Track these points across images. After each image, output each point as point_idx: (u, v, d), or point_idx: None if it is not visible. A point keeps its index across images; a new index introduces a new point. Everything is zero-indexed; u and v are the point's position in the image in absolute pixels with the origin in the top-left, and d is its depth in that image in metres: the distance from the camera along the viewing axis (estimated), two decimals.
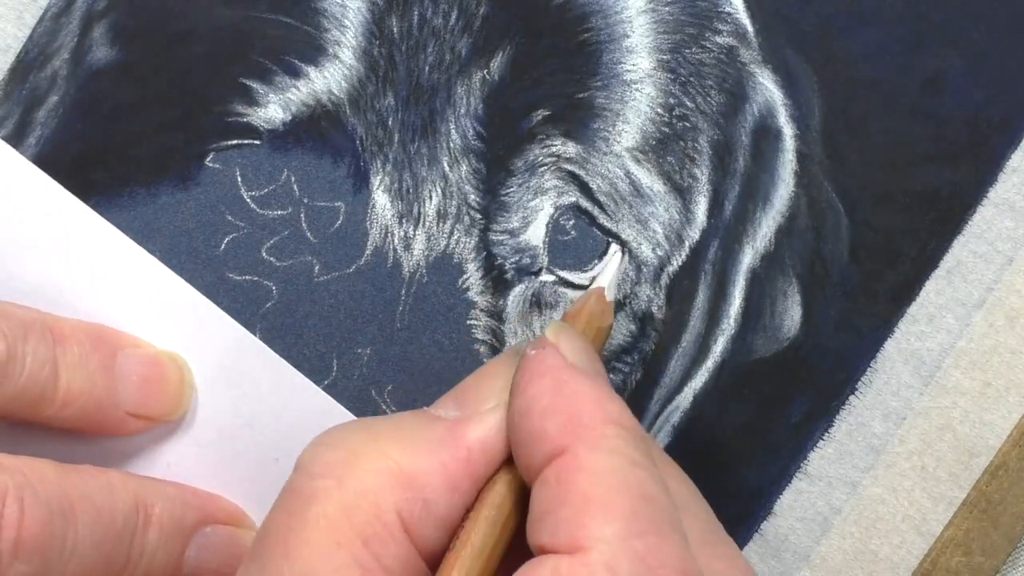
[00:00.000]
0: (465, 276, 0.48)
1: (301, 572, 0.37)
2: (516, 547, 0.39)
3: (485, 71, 0.47)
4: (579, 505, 0.36)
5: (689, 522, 0.38)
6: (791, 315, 0.48)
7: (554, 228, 0.48)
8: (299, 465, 0.39)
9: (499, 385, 0.40)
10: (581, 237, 0.48)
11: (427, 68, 0.47)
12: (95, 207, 0.47)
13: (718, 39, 0.47)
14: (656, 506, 0.36)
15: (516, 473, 0.39)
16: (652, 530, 0.36)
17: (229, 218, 0.48)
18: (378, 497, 0.38)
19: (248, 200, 0.48)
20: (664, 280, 0.48)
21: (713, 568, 0.38)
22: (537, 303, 0.48)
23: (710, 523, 0.41)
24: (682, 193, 0.47)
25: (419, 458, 0.38)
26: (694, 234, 0.48)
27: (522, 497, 0.39)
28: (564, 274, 0.48)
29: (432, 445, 0.39)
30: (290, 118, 0.47)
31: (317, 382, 0.47)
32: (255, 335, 0.47)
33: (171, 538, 0.44)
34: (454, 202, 0.48)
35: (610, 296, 0.45)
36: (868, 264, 0.47)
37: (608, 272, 0.46)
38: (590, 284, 0.48)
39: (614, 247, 0.47)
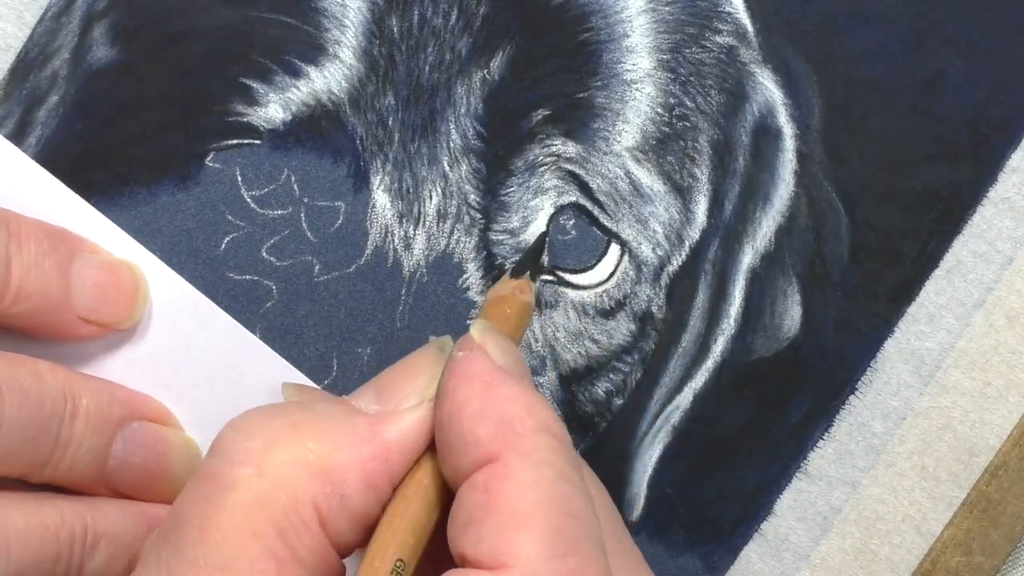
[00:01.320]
0: (465, 276, 0.48)
1: (216, 560, 0.37)
2: (434, 541, 0.39)
3: (485, 71, 0.47)
4: (505, 518, 0.36)
5: (608, 537, 0.38)
6: (791, 315, 0.48)
7: (554, 228, 0.48)
8: (217, 449, 0.39)
9: (420, 382, 0.40)
10: (581, 237, 0.48)
11: (427, 68, 0.47)
12: (95, 206, 0.47)
13: (718, 39, 0.47)
14: (581, 523, 0.36)
15: (436, 469, 0.39)
16: (575, 551, 0.36)
17: (229, 218, 0.48)
18: (296, 489, 0.38)
19: (248, 200, 0.48)
20: (664, 280, 0.48)
21: None
22: (537, 303, 0.48)
23: (625, 538, 0.42)
24: (682, 193, 0.47)
25: (338, 452, 0.38)
26: (694, 234, 0.48)
27: (442, 493, 0.39)
28: (564, 274, 0.48)
29: (352, 440, 0.38)
30: (290, 118, 0.47)
31: (317, 382, 0.47)
32: (255, 335, 0.47)
33: (97, 430, 0.44)
34: (454, 202, 0.48)
35: (521, 274, 0.44)
36: (868, 264, 0.47)
37: (529, 251, 0.45)
38: (589, 285, 0.48)
39: (540, 234, 0.47)
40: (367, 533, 0.39)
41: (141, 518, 0.45)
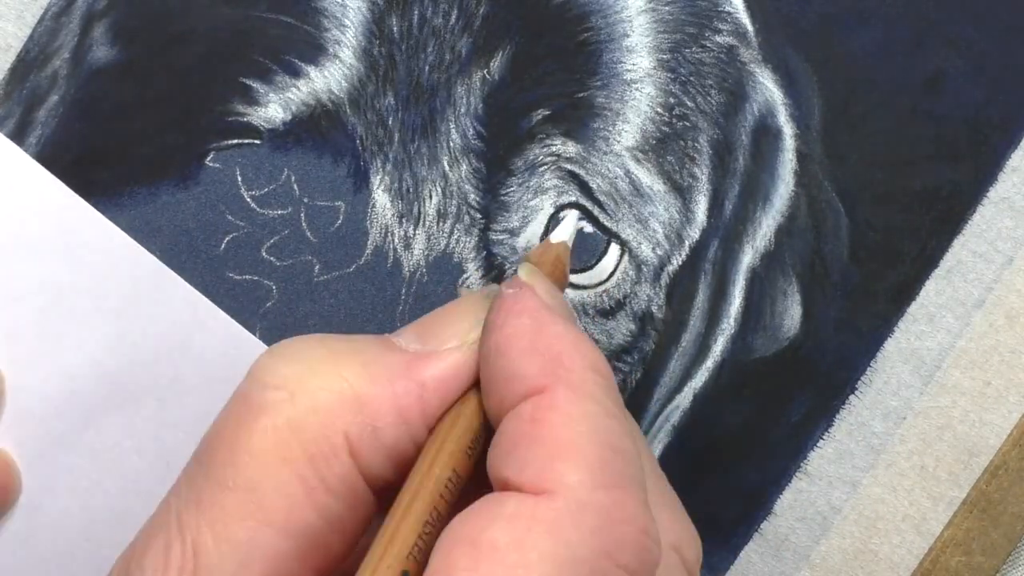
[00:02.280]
0: (465, 276, 0.48)
1: (244, 483, 0.37)
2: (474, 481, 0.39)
3: (485, 71, 0.47)
4: (551, 446, 0.35)
5: (648, 477, 0.38)
6: (791, 315, 0.48)
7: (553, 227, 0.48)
8: (253, 373, 0.39)
9: (464, 325, 0.39)
10: (581, 237, 0.48)
11: (427, 68, 0.47)
12: (95, 206, 0.47)
13: (718, 38, 0.47)
14: (625, 460, 0.36)
15: (477, 414, 0.39)
16: (618, 484, 0.35)
17: (229, 217, 0.48)
18: (328, 417, 0.37)
19: (248, 200, 0.48)
20: (664, 280, 0.48)
21: (661, 519, 0.38)
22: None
23: (661, 479, 0.41)
24: (682, 192, 0.47)
25: (374, 385, 0.38)
26: (694, 233, 0.48)
27: (480, 433, 0.39)
28: None
29: (388, 374, 0.38)
30: (290, 117, 0.47)
31: None
32: (255, 335, 0.47)
33: None
34: (454, 201, 0.48)
35: (568, 244, 0.44)
36: (868, 264, 0.47)
37: (566, 226, 0.45)
38: (589, 284, 0.48)
39: (572, 212, 0.47)
40: (398, 468, 0.38)
41: None
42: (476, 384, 0.39)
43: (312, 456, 0.37)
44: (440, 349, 0.39)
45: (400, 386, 0.38)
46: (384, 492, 0.39)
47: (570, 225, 0.44)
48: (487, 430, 0.38)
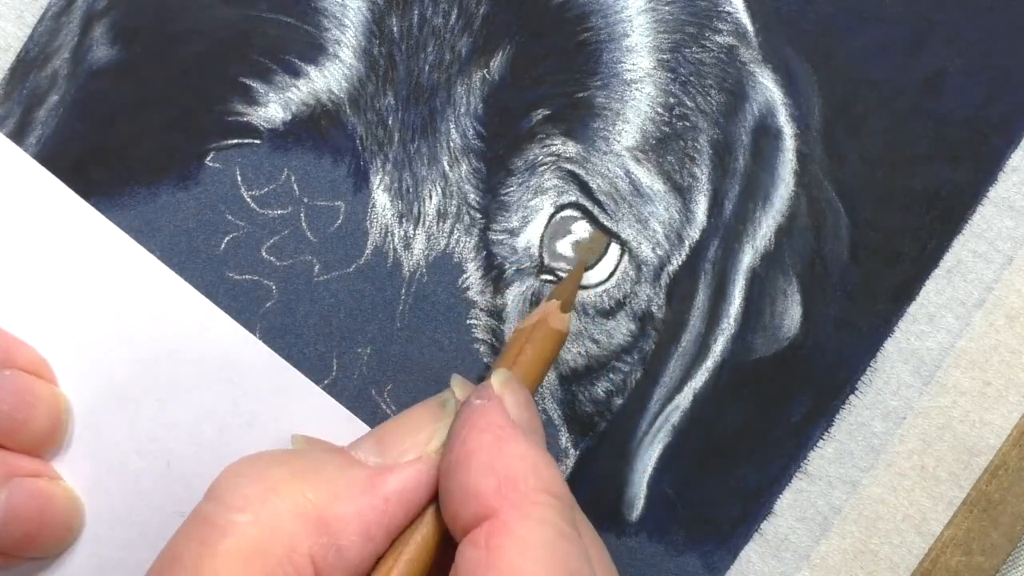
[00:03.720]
0: (465, 275, 0.48)
1: None
2: None
3: (485, 70, 0.47)
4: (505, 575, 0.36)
5: None
6: (791, 315, 0.48)
7: (554, 227, 0.48)
8: (215, 494, 0.39)
9: (422, 436, 0.40)
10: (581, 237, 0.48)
11: (427, 67, 0.47)
12: (95, 206, 0.47)
13: (718, 38, 0.47)
14: None
15: (434, 523, 0.39)
16: None
17: (229, 217, 0.48)
18: (293, 538, 0.38)
19: (248, 199, 0.48)
20: (664, 279, 0.48)
21: None
22: (536, 302, 0.48)
23: None
24: (682, 192, 0.47)
25: (337, 503, 0.38)
26: (694, 233, 0.48)
27: (439, 547, 0.39)
28: (564, 274, 0.48)
29: (351, 491, 0.39)
30: (290, 117, 0.47)
31: (317, 382, 0.47)
32: (255, 335, 0.47)
33: None
34: (454, 201, 0.48)
35: (566, 309, 0.45)
36: (868, 264, 0.47)
37: (567, 283, 0.46)
38: (589, 285, 0.48)
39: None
40: None
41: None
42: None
43: None
44: (400, 461, 0.40)
45: (363, 502, 0.39)
46: None
47: (572, 279, 0.45)
48: (444, 547, 0.39)
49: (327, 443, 0.43)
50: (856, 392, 0.48)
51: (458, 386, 0.43)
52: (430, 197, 0.48)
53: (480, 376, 0.48)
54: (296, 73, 0.47)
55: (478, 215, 0.48)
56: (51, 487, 0.46)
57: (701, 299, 0.48)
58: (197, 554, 0.37)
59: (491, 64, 0.47)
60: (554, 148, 0.47)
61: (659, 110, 0.47)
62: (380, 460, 0.40)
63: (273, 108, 0.47)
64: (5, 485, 0.45)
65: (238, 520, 0.38)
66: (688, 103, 0.47)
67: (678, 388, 0.48)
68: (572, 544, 0.37)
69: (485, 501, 0.37)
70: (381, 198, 0.48)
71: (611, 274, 0.48)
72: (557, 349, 0.44)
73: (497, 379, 0.41)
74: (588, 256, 0.47)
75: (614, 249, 0.48)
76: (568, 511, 0.38)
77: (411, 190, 0.48)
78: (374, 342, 0.48)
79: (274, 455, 0.40)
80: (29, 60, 0.48)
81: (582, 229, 0.48)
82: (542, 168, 0.47)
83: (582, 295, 0.48)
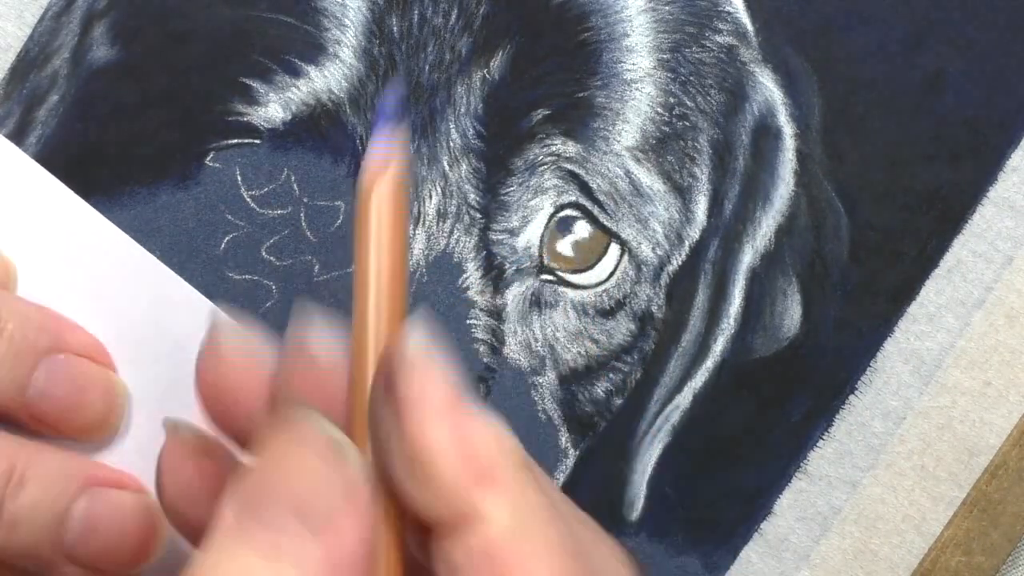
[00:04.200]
0: (465, 275, 0.48)
1: None
2: None
3: (485, 70, 0.47)
4: None
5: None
6: (791, 314, 0.48)
7: (554, 227, 0.48)
8: None
9: (304, 488, 0.33)
10: (581, 236, 0.48)
11: (427, 67, 0.47)
12: (95, 206, 0.47)
13: (718, 38, 0.47)
14: (583, 559, 0.35)
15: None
16: None
17: (229, 217, 0.48)
18: None
19: (248, 199, 0.48)
20: (664, 279, 0.48)
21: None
22: (537, 302, 0.48)
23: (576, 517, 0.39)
24: (682, 192, 0.47)
25: None
26: (694, 233, 0.48)
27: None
28: (563, 273, 0.48)
29: None
30: (290, 117, 0.47)
31: None
32: None
33: (20, 356, 0.43)
34: (454, 201, 0.48)
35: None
36: (868, 264, 0.47)
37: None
38: (589, 284, 0.48)
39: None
40: None
41: (76, 473, 0.44)
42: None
43: None
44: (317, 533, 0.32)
45: None
46: None
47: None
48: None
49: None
50: (856, 392, 0.48)
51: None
52: (430, 197, 0.48)
53: (479, 376, 0.48)
54: (296, 73, 0.47)
55: (478, 215, 0.48)
56: (92, 370, 0.45)
57: (701, 299, 0.48)
58: None
59: (491, 64, 0.47)
60: (554, 148, 0.47)
61: (659, 110, 0.47)
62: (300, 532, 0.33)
63: (273, 108, 0.47)
64: (50, 357, 0.44)
65: None
66: (688, 103, 0.47)
67: (678, 388, 0.48)
68: (557, 516, 0.33)
69: (458, 499, 0.32)
70: None
71: (611, 274, 0.48)
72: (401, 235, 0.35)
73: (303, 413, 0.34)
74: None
75: (614, 249, 0.48)
76: (537, 476, 0.34)
77: (411, 190, 0.48)
78: None
79: None
80: (29, 60, 0.48)
81: (582, 229, 0.48)
82: (542, 168, 0.47)
83: (582, 295, 0.48)
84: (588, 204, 0.47)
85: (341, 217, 0.48)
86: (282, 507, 0.32)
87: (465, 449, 0.32)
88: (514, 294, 0.48)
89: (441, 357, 0.33)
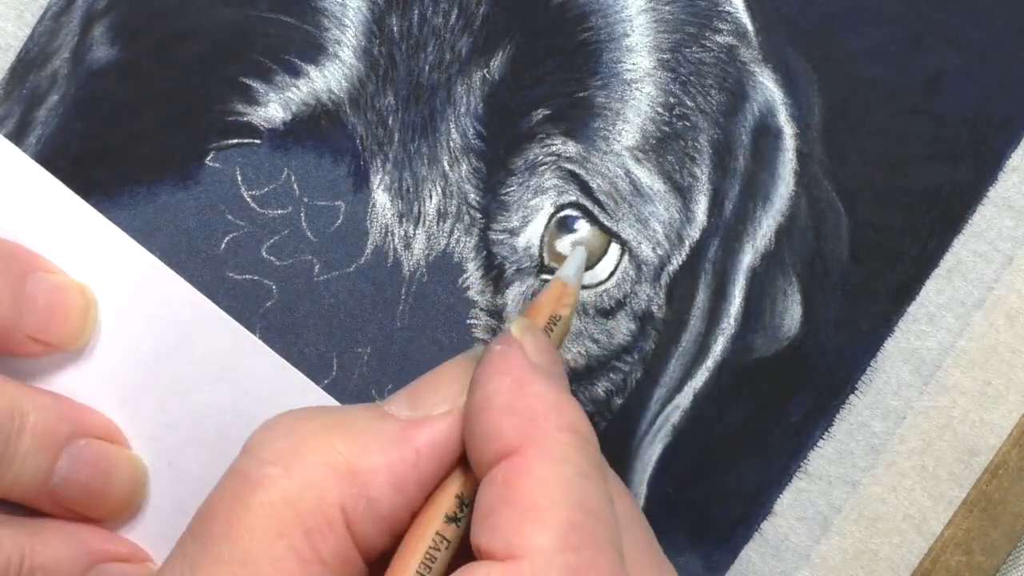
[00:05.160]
0: (465, 275, 0.48)
1: (241, 556, 0.37)
2: (466, 548, 0.39)
3: (485, 70, 0.47)
4: (520, 510, 0.36)
5: (629, 540, 0.38)
6: (791, 314, 0.48)
7: (554, 227, 0.48)
8: (248, 448, 0.39)
9: (455, 388, 0.40)
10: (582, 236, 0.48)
11: (427, 67, 0.47)
12: (95, 206, 0.47)
13: (718, 38, 0.47)
14: (597, 520, 0.36)
15: (468, 477, 0.39)
16: (588, 544, 0.35)
17: (229, 217, 0.48)
18: (323, 490, 0.38)
19: (248, 199, 0.48)
20: (664, 279, 0.48)
21: None
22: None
23: (650, 544, 0.41)
24: (682, 192, 0.47)
25: (367, 455, 0.38)
26: (694, 233, 0.48)
27: (472, 501, 0.39)
28: None
29: (382, 444, 0.39)
30: (290, 117, 0.47)
31: (317, 382, 0.47)
32: (255, 335, 0.47)
33: (43, 447, 0.44)
34: (454, 201, 0.48)
35: (573, 285, 0.44)
36: (868, 263, 0.47)
37: (570, 263, 0.45)
38: (589, 284, 0.48)
39: (579, 248, 0.47)
40: (394, 537, 0.39)
41: (83, 551, 0.45)
42: None
43: (308, 530, 0.37)
44: (431, 414, 0.39)
45: (394, 455, 0.38)
46: (379, 562, 0.39)
47: (576, 261, 0.44)
48: (474, 498, 0.39)
49: (362, 404, 0.42)
50: (856, 392, 0.48)
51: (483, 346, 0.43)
52: (430, 197, 0.48)
53: None
54: (296, 73, 0.47)
55: (478, 215, 0.48)
56: (114, 453, 0.46)
57: (701, 299, 0.48)
58: (230, 507, 0.38)
59: (491, 64, 0.47)
60: (554, 148, 0.47)
61: (659, 110, 0.47)
62: (412, 414, 0.40)
63: (273, 108, 0.47)
64: (72, 444, 0.45)
65: (269, 473, 0.38)
66: (688, 103, 0.47)
67: (678, 388, 0.48)
68: (592, 483, 0.37)
69: (506, 440, 0.37)
70: (381, 198, 0.48)
71: (611, 274, 0.48)
72: (569, 323, 0.44)
73: (517, 326, 0.40)
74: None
75: (614, 249, 0.48)
76: (592, 450, 0.38)
77: (411, 190, 0.48)
78: (374, 342, 0.48)
79: (306, 410, 0.40)
80: (29, 60, 0.48)
81: (582, 229, 0.48)
82: (542, 168, 0.47)
83: (582, 295, 0.48)
84: (588, 204, 0.47)
85: (341, 217, 0.48)
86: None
87: (521, 406, 0.37)
88: (514, 294, 0.48)
89: (539, 344, 0.40)
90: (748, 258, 0.48)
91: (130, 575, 0.46)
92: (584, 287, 0.48)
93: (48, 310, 0.45)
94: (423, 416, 0.39)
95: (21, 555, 0.44)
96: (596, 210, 0.47)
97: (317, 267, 0.48)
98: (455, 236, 0.48)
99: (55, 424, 0.45)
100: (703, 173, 0.47)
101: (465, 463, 0.39)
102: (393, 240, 0.48)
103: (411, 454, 0.39)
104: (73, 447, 0.45)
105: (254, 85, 0.47)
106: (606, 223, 0.47)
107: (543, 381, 0.38)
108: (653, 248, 0.48)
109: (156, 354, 0.47)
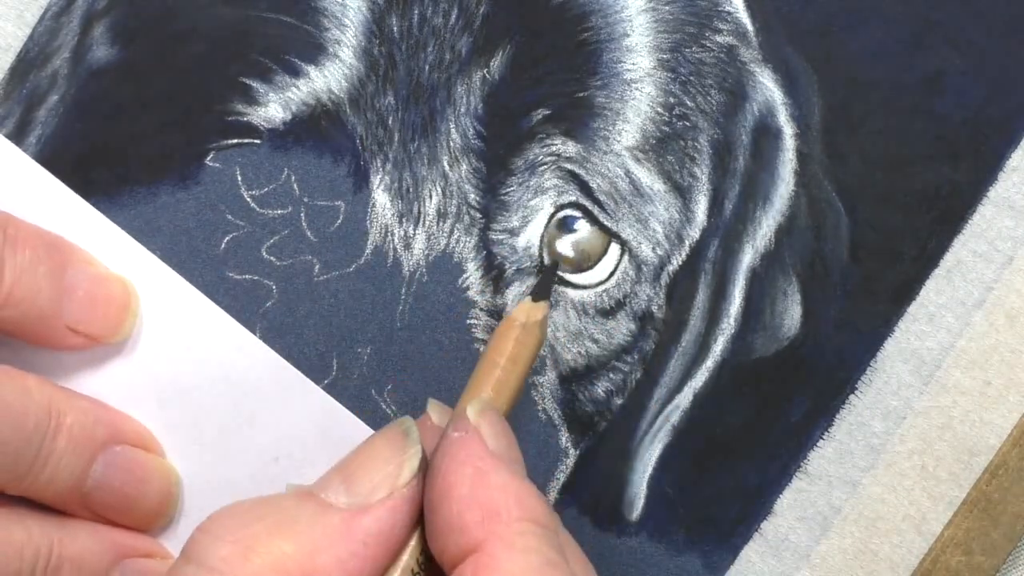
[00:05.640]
0: (465, 275, 0.48)
1: None
2: None
3: (485, 70, 0.47)
4: None
5: None
6: (791, 314, 0.48)
7: (554, 227, 0.48)
8: (192, 554, 0.38)
9: (390, 469, 0.40)
10: (582, 236, 0.48)
11: (427, 67, 0.47)
12: (95, 206, 0.47)
13: (718, 38, 0.47)
14: None
15: (419, 552, 0.39)
16: None
17: (229, 217, 0.48)
18: None
19: (248, 199, 0.48)
20: (664, 279, 0.48)
21: None
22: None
23: None
24: (682, 192, 0.47)
25: (317, 555, 0.38)
26: (694, 233, 0.48)
27: (426, 568, 0.39)
28: (564, 273, 0.48)
29: (329, 539, 0.38)
30: (290, 117, 0.47)
31: (317, 382, 0.47)
32: (255, 334, 0.47)
33: (79, 449, 0.44)
34: (454, 201, 0.48)
35: (539, 313, 0.44)
36: (868, 263, 0.47)
37: (539, 285, 0.45)
38: (589, 284, 0.48)
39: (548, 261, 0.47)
40: None
41: (110, 546, 0.45)
42: (418, 521, 0.40)
43: None
44: (372, 500, 0.39)
45: (342, 550, 0.38)
46: None
47: (545, 281, 0.45)
48: (430, 566, 0.39)
49: (297, 488, 0.42)
50: (856, 392, 0.48)
51: (435, 411, 0.43)
52: (430, 197, 0.48)
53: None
54: (296, 73, 0.47)
55: (478, 215, 0.48)
56: (150, 461, 0.46)
57: (701, 299, 0.48)
58: None
59: (491, 64, 0.47)
60: (554, 148, 0.47)
61: (659, 110, 0.47)
62: (350, 500, 0.39)
63: (273, 108, 0.47)
64: (107, 449, 0.45)
65: None
66: (688, 103, 0.47)
67: (678, 388, 0.48)
68: (559, 570, 0.37)
69: (470, 534, 0.37)
70: (381, 198, 0.48)
71: (611, 274, 0.48)
72: (534, 353, 0.43)
73: (473, 409, 0.40)
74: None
75: (614, 249, 0.48)
76: (554, 537, 0.38)
77: (411, 190, 0.48)
78: (374, 342, 0.48)
79: (246, 508, 0.39)
80: (29, 60, 0.48)
81: (582, 229, 0.48)
82: (542, 168, 0.47)
83: (582, 295, 0.48)
84: (588, 204, 0.47)
85: (341, 217, 0.48)
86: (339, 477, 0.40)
87: (484, 498, 0.38)
88: (514, 294, 0.48)
89: (496, 429, 0.40)
90: (748, 258, 0.48)
91: (156, 571, 0.46)
92: (584, 287, 0.48)
93: (88, 301, 0.45)
94: (363, 503, 0.39)
95: (50, 546, 0.43)
96: (596, 210, 0.47)
97: (317, 267, 0.48)
98: (455, 236, 0.48)
99: (92, 427, 0.45)
100: (703, 173, 0.47)
101: (415, 542, 0.39)
102: (393, 240, 0.48)
103: (359, 547, 0.38)
104: (109, 452, 0.45)
105: (254, 85, 0.47)
106: (606, 223, 0.47)
107: (503, 471, 0.38)
108: (653, 248, 0.48)
109: (156, 354, 0.47)
